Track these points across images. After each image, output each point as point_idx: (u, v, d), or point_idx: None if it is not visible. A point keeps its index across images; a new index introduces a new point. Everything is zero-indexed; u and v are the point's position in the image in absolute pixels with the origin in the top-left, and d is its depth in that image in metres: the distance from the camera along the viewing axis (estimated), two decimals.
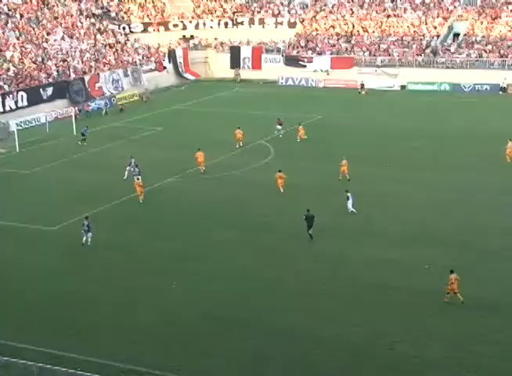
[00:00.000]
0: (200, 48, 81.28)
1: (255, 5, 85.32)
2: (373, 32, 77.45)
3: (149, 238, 32.80)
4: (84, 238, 31.89)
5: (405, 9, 79.66)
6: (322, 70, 74.16)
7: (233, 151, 47.35)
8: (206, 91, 70.96)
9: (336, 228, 33.56)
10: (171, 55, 77.51)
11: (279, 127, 51.96)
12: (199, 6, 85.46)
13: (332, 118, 57.76)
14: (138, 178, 37.87)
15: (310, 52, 76.16)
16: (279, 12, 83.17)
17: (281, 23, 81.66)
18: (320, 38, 77.78)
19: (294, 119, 55.40)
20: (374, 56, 74.14)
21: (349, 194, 35.21)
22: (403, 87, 71.50)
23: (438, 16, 77.45)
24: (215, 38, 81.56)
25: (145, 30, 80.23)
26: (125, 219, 35.22)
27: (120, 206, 37.21)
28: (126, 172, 40.94)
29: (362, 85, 70.27)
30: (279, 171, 38.54)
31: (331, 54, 75.33)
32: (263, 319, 25.46)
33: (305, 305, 26.37)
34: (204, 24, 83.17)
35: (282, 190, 38.17)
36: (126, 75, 70.59)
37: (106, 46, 72.84)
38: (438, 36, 75.16)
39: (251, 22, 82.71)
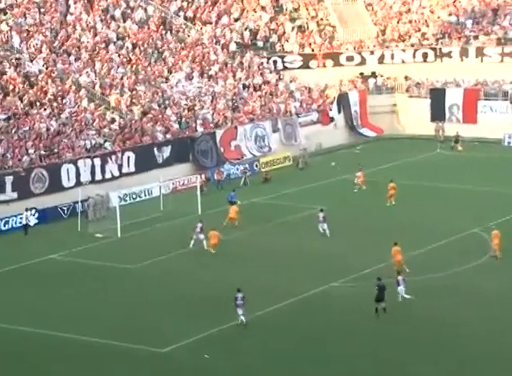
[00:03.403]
0: (386, 92, 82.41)
1: (470, 26, 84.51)
2: None
3: (301, 361, 33.93)
4: (242, 317, 37.00)
5: None
6: None
7: (434, 243, 48.08)
8: (392, 154, 71.77)
9: None
10: (342, 101, 78.79)
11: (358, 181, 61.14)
12: (385, 31, 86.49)
13: None
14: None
15: None
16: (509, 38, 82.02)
17: (510, 55, 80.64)
18: None
19: None
20: None
21: (400, 278, 39.80)
22: None
23: None
24: (405, 77, 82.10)
25: (305, 66, 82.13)
26: (276, 331, 37.12)
27: (269, 315, 38.60)
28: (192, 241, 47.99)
29: (458, 138, 73.92)
30: (395, 244, 43.30)
31: None
32: None
33: None
34: (392, 56, 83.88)
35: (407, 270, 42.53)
36: (275, 130, 72.28)
37: (248, 88, 74.93)
38: None
39: (463, 53, 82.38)
